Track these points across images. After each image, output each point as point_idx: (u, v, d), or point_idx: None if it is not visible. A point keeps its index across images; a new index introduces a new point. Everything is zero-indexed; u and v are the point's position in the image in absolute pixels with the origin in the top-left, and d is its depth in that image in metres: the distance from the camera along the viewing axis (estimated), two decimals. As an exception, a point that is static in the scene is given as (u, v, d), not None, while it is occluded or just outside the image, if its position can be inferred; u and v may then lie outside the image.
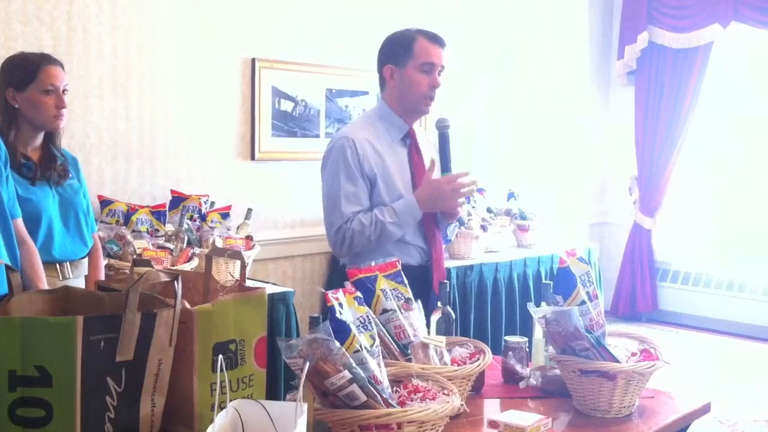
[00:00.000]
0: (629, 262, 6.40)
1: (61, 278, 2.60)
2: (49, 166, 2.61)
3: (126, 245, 3.19)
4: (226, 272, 3.17)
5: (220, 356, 1.41)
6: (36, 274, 2.38)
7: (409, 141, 2.67)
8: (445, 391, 1.68)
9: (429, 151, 2.72)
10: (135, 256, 3.08)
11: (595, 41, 6.43)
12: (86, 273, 2.73)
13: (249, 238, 3.73)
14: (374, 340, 1.65)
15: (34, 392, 1.29)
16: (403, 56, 2.57)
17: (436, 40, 2.60)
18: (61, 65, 2.62)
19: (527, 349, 2.26)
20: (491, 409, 2.02)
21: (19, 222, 2.34)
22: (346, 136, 2.57)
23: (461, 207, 2.65)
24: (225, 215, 3.79)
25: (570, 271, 2.03)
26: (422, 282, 2.46)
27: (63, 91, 2.59)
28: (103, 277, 2.78)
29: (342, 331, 1.57)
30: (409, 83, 2.58)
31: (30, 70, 2.54)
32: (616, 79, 6.49)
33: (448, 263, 4.37)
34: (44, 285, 2.38)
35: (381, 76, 2.66)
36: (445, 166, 2.60)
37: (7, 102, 2.54)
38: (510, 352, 2.23)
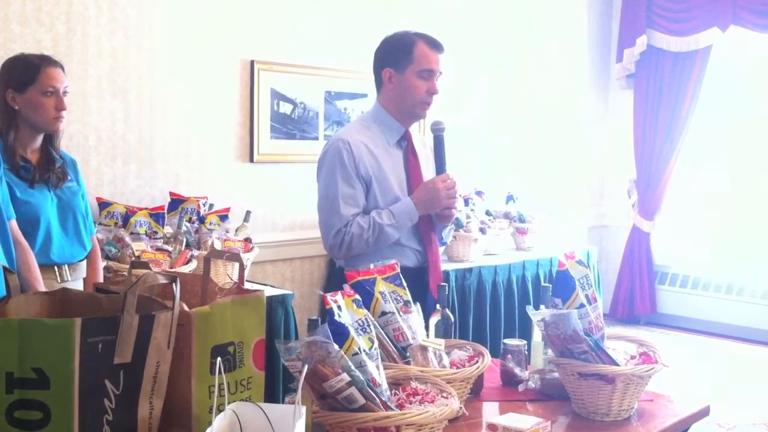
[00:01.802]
0: (628, 265, 6.40)
1: (59, 281, 2.59)
2: (48, 169, 2.60)
3: (124, 247, 3.19)
4: (224, 274, 3.16)
5: (219, 359, 1.41)
6: (32, 274, 2.37)
7: (405, 144, 2.67)
8: (444, 394, 1.68)
9: (425, 153, 2.72)
10: (133, 258, 3.07)
11: (594, 44, 6.44)
12: (84, 276, 2.73)
13: (247, 240, 3.73)
14: (373, 342, 1.65)
15: (31, 394, 1.29)
16: (403, 60, 2.57)
17: (436, 46, 2.59)
18: (62, 67, 2.61)
19: (526, 352, 2.25)
20: (490, 412, 2.02)
21: (14, 223, 2.33)
22: (342, 138, 2.57)
23: (456, 209, 2.65)
24: (223, 217, 3.79)
25: (569, 274, 2.02)
26: (418, 284, 2.46)
27: (63, 92, 2.58)
28: (101, 280, 2.77)
29: (340, 333, 1.56)
30: (408, 88, 2.57)
31: (30, 71, 2.54)
32: (615, 82, 6.50)
33: (447, 266, 4.37)
34: (41, 286, 2.38)
35: (378, 78, 2.65)
36: (441, 169, 2.60)
37: (6, 103, 2.53)
38: (509, 355, 2.22)
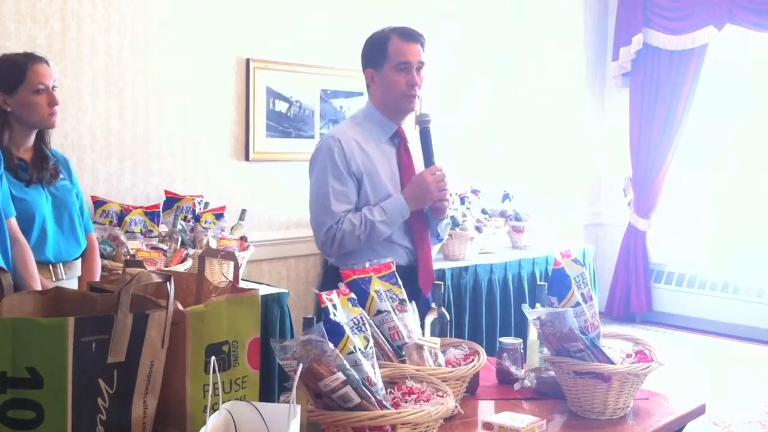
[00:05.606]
0: (624, 263, 6.40)
1: (54, 279, 2.58)
2: (42, 167, 2.60)
3: (119, 246, 3.18)
4: (219, 273, 3.15)
5: (213, 357, 1.40)
6: (29, 273, 2.37)
7: (398, 140, 2.67)
8: (440, 393, 1.68)
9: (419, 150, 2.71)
10: (128, 257, 3.06)
11: (590, 43, 6.44)
12: (79, 274, 2.72)
13: (243, 238, 3.72)
14: (368, 341, 1.65)
15: (24, 394, 1.28)
16: (380, 58, 2.58)
17: (411, 37, 2.57)
18: (47, 62, 2.60)
19: (522, 351, 2.25)
20: (486, 410, 2.01)
21: (12, 221, 2.32)
22: (333, 136, 2.58)
23: (448, 201, 2.65)
24: (219, 216, 3.78)
25: (565, 273, 2.03)
26: (409, 283, 2.45)
27: (52, 87, 2.57)
28: (98, 278, 2.76)
29: (336, 332, 1.56)
30: (388, 84, 2.58)
31: (17, 72, 2.52)
32: (611, 80, 6.50)
33: (443, 264, 4.37)
34: (38, 284, 2.37)
35: (365, 79, 2.67)
36: (429, 161, 2.60)
37: None
38: (504, 354, 2.22)
